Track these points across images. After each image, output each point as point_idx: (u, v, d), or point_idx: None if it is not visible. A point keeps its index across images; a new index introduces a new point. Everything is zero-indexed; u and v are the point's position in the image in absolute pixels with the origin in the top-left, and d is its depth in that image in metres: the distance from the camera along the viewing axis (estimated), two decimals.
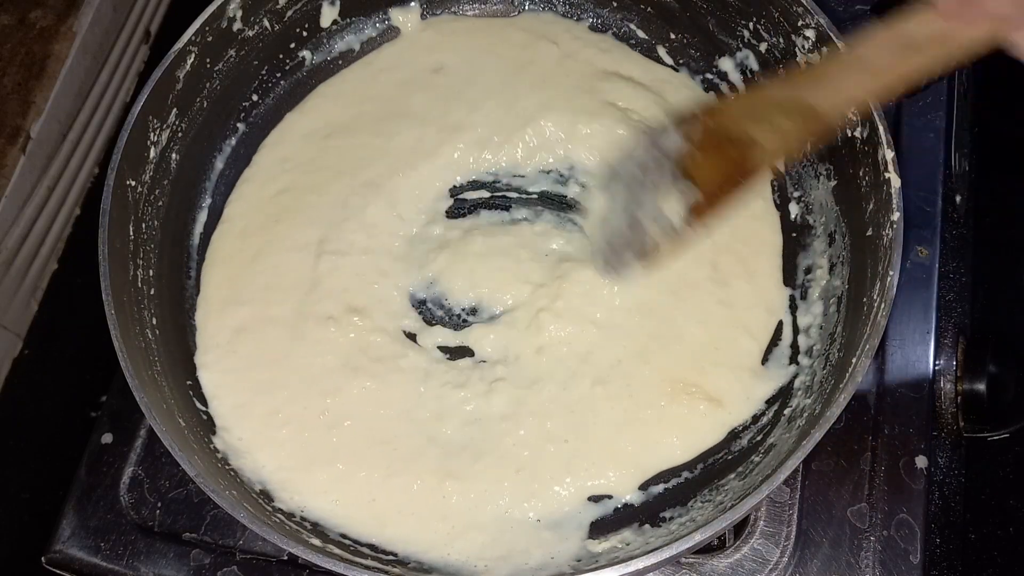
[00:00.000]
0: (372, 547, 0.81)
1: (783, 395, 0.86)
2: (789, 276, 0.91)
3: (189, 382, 0.88)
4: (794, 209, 0.94)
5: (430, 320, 0.92)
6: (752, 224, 0.93)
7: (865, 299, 0.79)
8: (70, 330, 1.13)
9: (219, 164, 0.99)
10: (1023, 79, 1.08)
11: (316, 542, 0.78)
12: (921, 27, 0.67)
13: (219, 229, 0.96)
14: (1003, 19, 0.62)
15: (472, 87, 1.01)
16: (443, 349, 0.90)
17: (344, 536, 0.82)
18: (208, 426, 0.86)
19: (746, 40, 0.96)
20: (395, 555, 0.81)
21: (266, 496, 0.83)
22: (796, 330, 0.89)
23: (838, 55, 0.79)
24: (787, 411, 0.84)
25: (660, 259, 0.79)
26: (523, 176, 0.99)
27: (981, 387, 0.90)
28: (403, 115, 1.00)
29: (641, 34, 1.05)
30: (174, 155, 0.93)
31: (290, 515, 0.82)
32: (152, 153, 0.89)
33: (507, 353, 0.88)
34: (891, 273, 0.75)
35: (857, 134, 0.83)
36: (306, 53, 1.04)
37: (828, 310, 0.87)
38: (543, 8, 1.07)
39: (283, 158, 0.99)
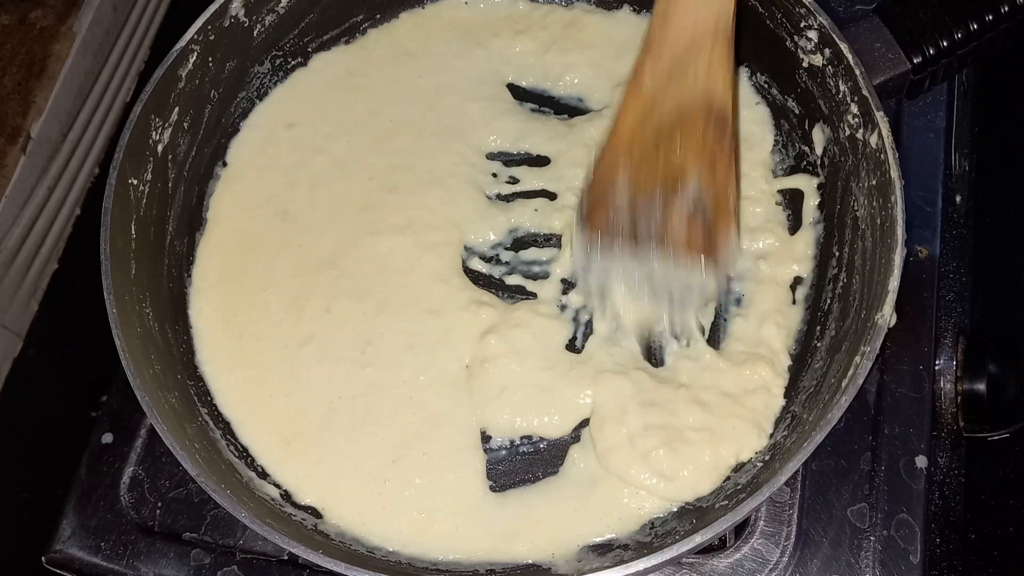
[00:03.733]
0: (376, 548, 0.82)
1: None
2: None
3: (190, 382, 0.88)
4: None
5: None
6: None
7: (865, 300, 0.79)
8: (70, 330, 1.13)
9: (221, 164, 0.99)
10: (1023, 79, 1.09)
11: (318, 540, 0.78)
12: None
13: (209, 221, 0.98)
14: None
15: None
16: None
17: (343, 534, 0.82)
18: (209, 425, 0.86)
19: None
20: (397, 554, 0.81)
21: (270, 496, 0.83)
22: None
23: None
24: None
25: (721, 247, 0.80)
26: None
27: (981, 387, 0.90)
28: None
29: None
30: (176, 154, 0.93)
31: (291, 514, 0.82)
32: (154, 152, 0.89)
33: None
34: (891, 274, 0.75)
35: (860, 135, 0.83)
36: (309, 50, 1.04)
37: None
38: None
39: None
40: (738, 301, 0.90)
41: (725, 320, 0.89)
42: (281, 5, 0.98)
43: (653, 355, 0.88)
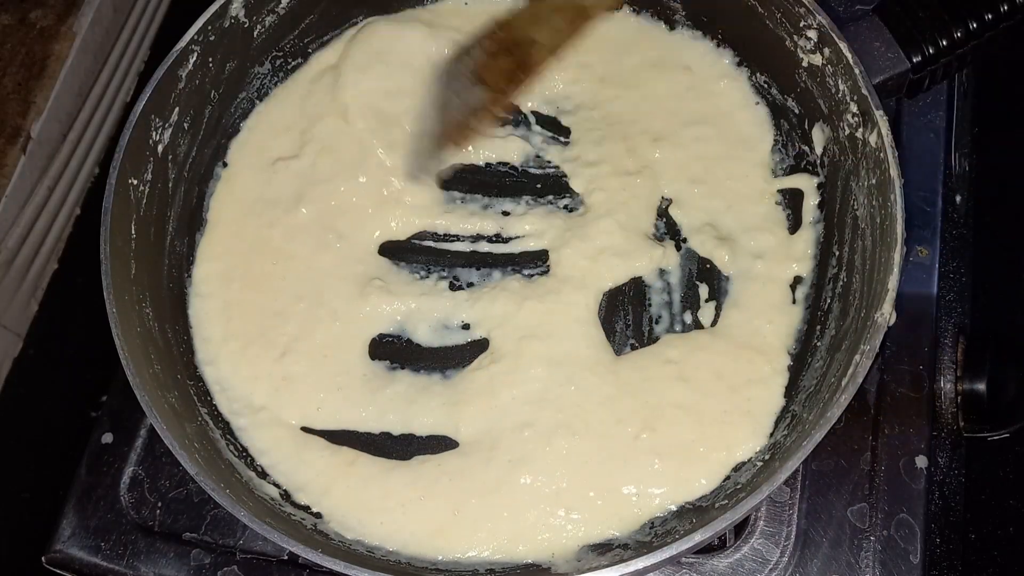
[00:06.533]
0: (375, 548, 0.81)
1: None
2: None
3: (190, 382, 0.88)
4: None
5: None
6: None
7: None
8: (70, 330, 1.13)
9: (221, 164, 0.99)
10: (1023, 79, 1.09)
11: (317, 540, 0.78)
12: None
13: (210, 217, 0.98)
14: None
15: None
16: None
17: (342, 534, 0.82)
18: (209, 425, 0.86)
19: None
20: (397, 554, 0.81)
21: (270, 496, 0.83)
22: None
23: None
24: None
25: (464, 139, 0.92)
26: None
27: (981, 387, 0.90)
28: None
29: None
30: (176, 154, 0.93)
31: (291, 514, 0.82)
32: (154, 152, 0.89)
33: None
34: (891, 272, 0.75)
35: (860, 135, 0.83)
36: (310, 51, 1.04)
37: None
38: None
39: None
40: (734, 299, 0.90)
41: (720, 314, 0.90)
42: (281, 6, 0.98)
43: (645, 332, 0.90)
